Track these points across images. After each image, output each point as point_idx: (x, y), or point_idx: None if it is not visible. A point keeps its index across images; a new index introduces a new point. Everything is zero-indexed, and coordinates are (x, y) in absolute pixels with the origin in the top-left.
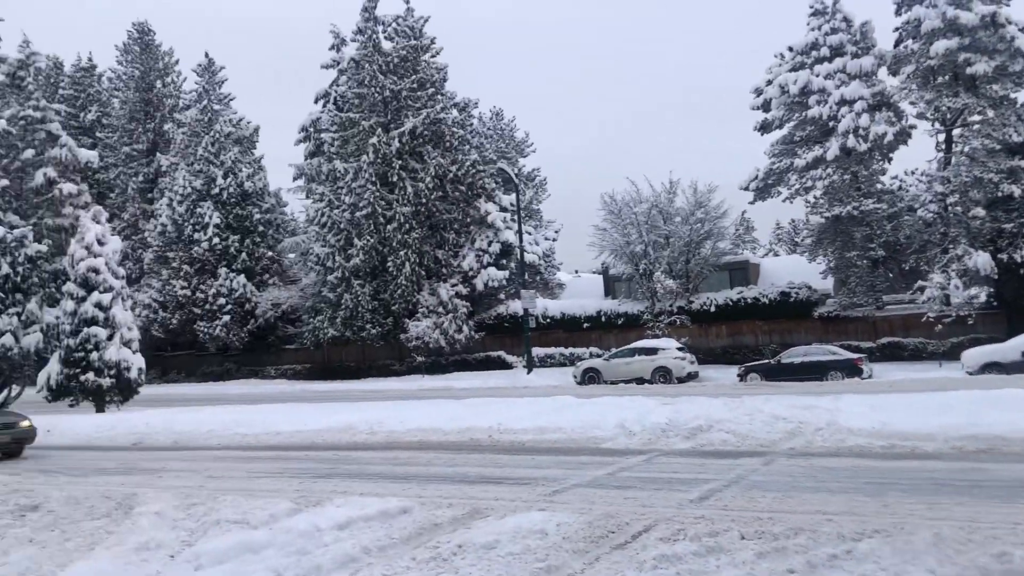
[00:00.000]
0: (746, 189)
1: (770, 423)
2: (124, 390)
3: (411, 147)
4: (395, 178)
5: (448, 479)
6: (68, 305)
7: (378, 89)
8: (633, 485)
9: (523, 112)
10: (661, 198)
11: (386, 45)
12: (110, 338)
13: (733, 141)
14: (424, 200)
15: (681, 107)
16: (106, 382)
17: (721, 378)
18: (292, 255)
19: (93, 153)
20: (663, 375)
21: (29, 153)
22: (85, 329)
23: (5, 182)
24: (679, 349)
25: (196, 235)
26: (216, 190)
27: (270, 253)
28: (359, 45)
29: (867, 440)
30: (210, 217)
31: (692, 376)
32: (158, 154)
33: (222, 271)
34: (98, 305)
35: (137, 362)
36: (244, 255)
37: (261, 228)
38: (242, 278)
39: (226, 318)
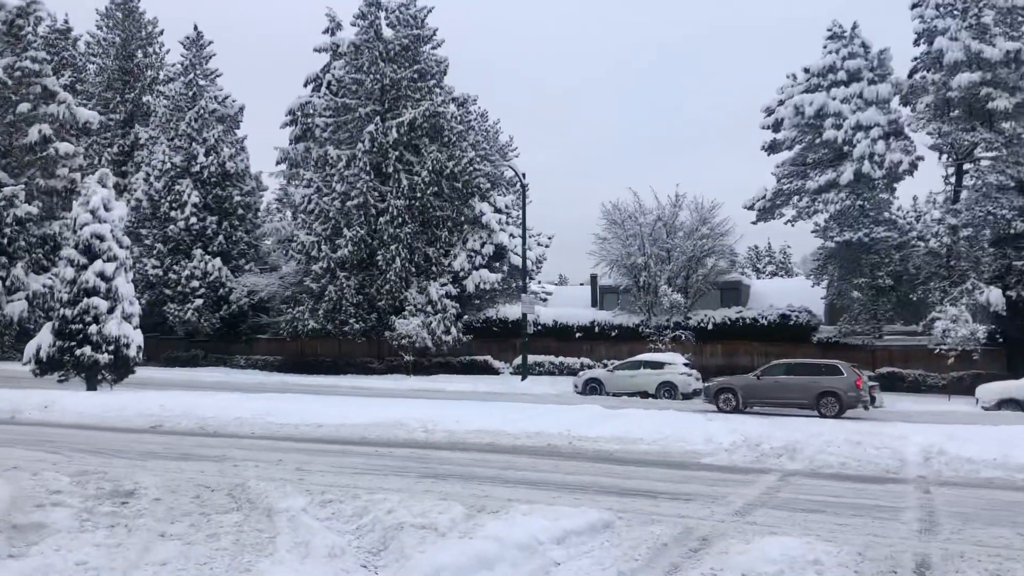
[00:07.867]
0: (750, 208)
1: (874, 449)
2: (121, 368)
3: (408, 139)
4: (390, 169)
5: (592, 489)
6: (67, 272)
7: (377, 76)
8: (821, 509)
9: (506, 117)
10: (666, 211)
11: (387, 32)
12: (111, 311)
13: (730, 163)
14: (419, 195)
15: (668, 127)
16: (103, 358)
17: None
18: (270, 241)
19: (93, 113)
20: (668, 390)
21: (24, 107)
22: (84, 300)
23: None
24: (685, 364)
25: (172, 213)
26: (196, 168)
27: (247, 237)
28: (359, 30)
29: (994, 472)
30: (188, 196)
31: (697, 393)
32: (136, 126)
33: (197, 252)
34: (100, 275)
35: (137, 339)
36: (221, 238)
37: (240, 211)
38: (218, 261)
39: (198, 302)
